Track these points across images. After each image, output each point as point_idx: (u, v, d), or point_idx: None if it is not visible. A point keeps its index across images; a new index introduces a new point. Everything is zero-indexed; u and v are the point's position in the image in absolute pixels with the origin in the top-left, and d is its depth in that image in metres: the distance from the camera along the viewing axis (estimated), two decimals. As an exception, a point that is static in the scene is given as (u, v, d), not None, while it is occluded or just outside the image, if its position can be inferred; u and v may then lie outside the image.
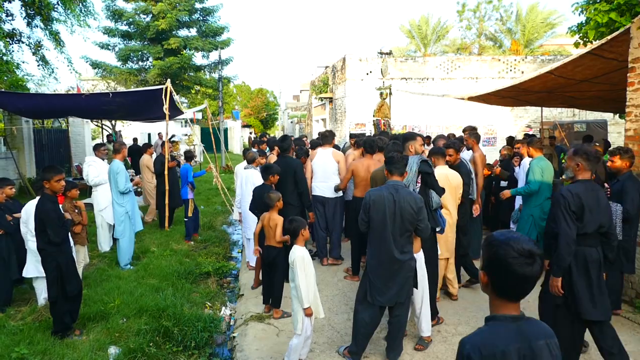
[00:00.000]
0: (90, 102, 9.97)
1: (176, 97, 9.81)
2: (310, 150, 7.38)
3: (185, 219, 8.06)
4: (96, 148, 7.30)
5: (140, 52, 25.29)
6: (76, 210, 5.28)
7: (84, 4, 12.80)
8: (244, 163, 6.54)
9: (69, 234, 4.68)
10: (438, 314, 4.53)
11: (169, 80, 8.83)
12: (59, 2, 12.01)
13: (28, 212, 4.91)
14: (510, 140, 9.63)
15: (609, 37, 5.09)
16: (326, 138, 6.66)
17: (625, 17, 7.50)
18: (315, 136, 19.44)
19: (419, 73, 18.31)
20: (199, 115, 23.11)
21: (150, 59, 25.42)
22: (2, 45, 11.14)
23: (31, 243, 4.84)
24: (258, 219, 5.34)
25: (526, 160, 6.11)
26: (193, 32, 26.62)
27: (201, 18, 26.34)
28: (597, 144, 8.71)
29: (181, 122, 26.88)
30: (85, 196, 9.22)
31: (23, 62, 18.41)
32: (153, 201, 9.12)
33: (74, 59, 19.84)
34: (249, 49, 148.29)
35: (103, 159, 7.14)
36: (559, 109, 16.07)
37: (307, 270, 3.65)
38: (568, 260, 3.30)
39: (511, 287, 1.57)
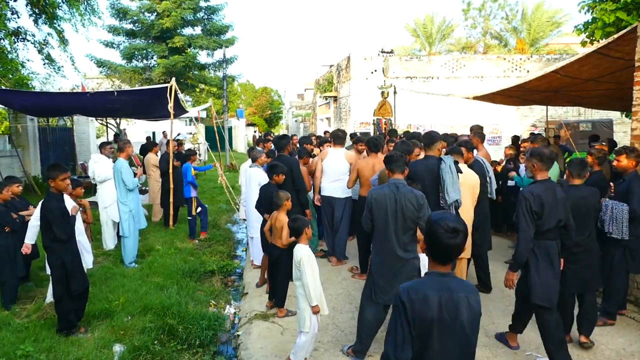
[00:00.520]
0: (95, 100, 9.99)
1: (181, 96, 9.80)
2: (320, 148, 7.29)
3: (189, 218, 8.07)
4: (102, 146, 7.34)
5: (144, 51, 25.39)
6: (80, 209, 5.30)
7: (89, 2, 12.83)
8: (249, 161, 6.55)
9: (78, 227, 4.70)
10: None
11: (173, 78, 8.82)
12: (64, 1, 12.03)
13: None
14: (515, 140, 9.57)
15: (615, 36, 5.04)
16: (339, 138, 6.47)
17: (632, 16, 7.41)
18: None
19: (424, 72, 18.24)
20: (204, 114, 23.13)
21: (155, 58, 25.50)
22: (7, 44, 11.19)
23: None
24: (263, 217, 5.36)
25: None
26: (198, 30, 26.71)
27: (206, 16, 26.37)
28: (603, 143, 8.65)
29: (186, 120, 26.91)
30: (90, 194, 9.26)
31: (28, 60, 18.48)
32: (158, 201, 9.12)
33: (79, 57, 19.98)
34: (253, 47, 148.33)
35: (109, 157, 7.17)
36: (565, 108, 15.95)
37: (313, 268, 3.66)
38: (525, 256, 3.58)
39: (440, 254, 2.02)
